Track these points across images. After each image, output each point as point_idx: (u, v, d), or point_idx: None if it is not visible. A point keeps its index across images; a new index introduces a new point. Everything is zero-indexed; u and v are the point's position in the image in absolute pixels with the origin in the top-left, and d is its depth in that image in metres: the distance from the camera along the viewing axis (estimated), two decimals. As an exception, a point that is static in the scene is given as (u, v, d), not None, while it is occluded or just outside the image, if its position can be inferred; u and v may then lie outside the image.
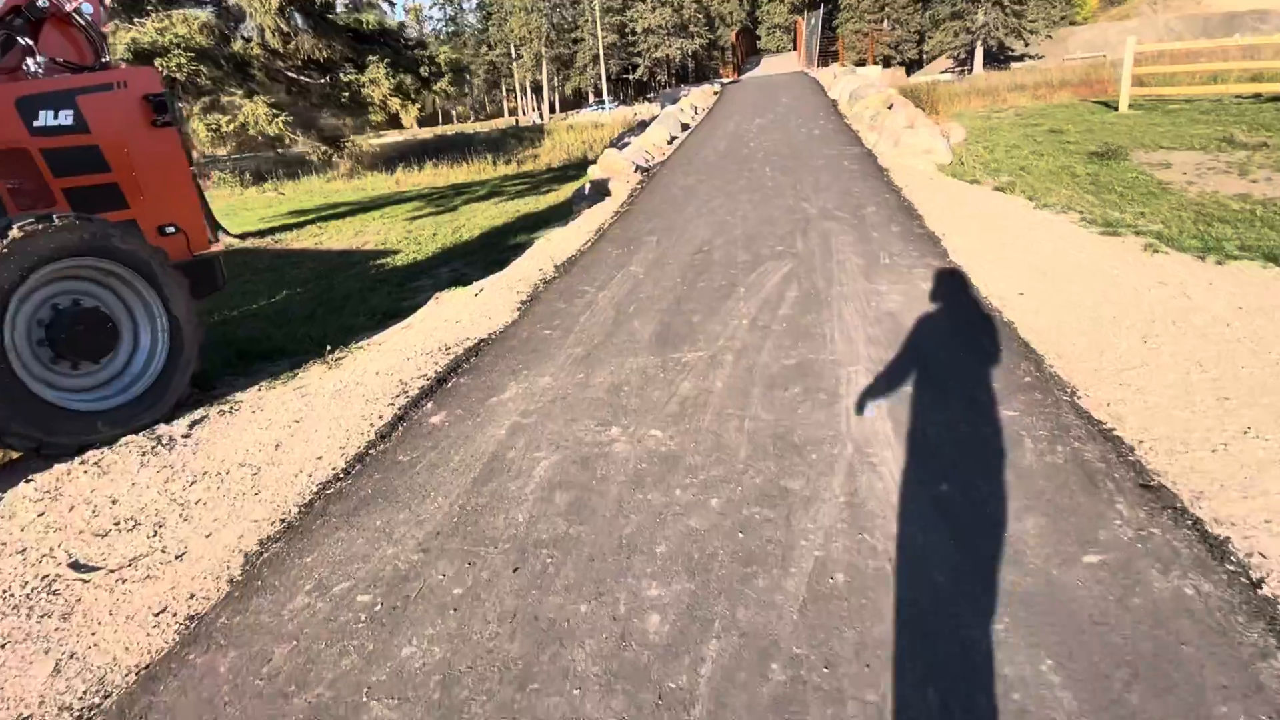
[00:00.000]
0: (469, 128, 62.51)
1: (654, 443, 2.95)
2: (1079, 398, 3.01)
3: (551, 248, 6.76)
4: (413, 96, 10.37)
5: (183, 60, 8.76)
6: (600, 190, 9.52)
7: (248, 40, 9.63)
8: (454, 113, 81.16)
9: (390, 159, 37.58)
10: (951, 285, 4.44)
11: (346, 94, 9.95)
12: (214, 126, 10.14)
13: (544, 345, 4.19)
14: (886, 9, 50.31)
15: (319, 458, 3.14)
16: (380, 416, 3.46)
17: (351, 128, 12.44)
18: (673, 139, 13.12)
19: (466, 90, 78.84)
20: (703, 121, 15.22)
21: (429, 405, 3.56)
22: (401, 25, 13.16)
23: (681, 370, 3.60)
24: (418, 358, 4.18)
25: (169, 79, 9.01)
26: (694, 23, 54.57)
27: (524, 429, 3.19)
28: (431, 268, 8.47)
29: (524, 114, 65.21)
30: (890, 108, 13.04)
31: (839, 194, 7.15)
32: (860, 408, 3.07)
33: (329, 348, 4.48)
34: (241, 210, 19.48)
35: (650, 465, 2.77)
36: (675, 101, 20.49)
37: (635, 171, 9.94)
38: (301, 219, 15.38)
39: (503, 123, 58.32)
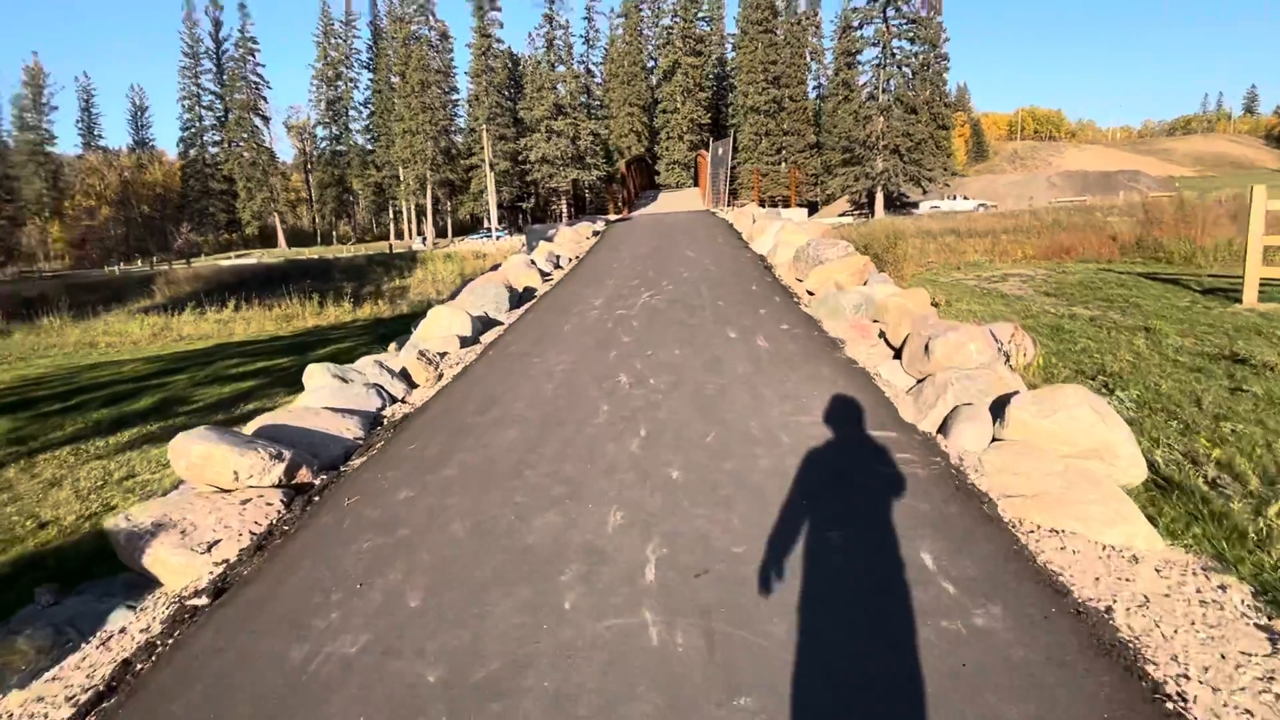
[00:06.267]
0: (344, 250, 55.93)
1: None
2: None
3: None
4: None
5: None
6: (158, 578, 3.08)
7: None
8: (335, 233, 74.43)
9: (210, 290, 30.24)
10: None
11: None
12: None
13: None
14: (784, 151, 49.81)
15: None
16: None
17: None
18: (484, 330, 7.10)
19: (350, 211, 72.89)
20: (556, 289, 9.47)
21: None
22: None
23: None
24: None
25: None
26: (591, 154, 52.11)
27: None
28: None
29: (411, 237, 59.78)
30: (866, 284, 7.81)
31: None
32: None
33: None
34: None
35: None
36: (544, 240, 15.01)
37: (317, 473, 3.63)
38: None
39: (378, 247, 52.37)
